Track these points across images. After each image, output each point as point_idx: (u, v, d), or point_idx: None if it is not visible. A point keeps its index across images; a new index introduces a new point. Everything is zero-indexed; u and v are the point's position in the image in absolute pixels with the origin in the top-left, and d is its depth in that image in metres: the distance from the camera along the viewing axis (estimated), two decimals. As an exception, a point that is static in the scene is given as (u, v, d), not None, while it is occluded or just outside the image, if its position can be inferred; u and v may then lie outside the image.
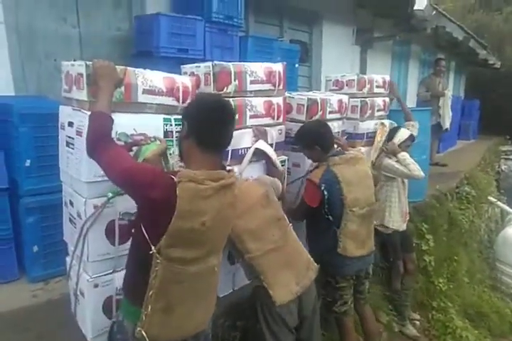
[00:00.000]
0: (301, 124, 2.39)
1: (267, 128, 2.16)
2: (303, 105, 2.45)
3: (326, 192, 2.00)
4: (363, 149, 3.03)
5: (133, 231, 1.21)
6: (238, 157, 2.03)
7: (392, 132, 3.02)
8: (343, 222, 2.02)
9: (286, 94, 2.39)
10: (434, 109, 5.22)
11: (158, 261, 1.10)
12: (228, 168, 1.35)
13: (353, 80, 3.04)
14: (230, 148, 1.98)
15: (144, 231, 1.11)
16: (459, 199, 5.06)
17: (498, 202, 6.24)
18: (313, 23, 4.45)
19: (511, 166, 8.48)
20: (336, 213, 2.02)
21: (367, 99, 3.05)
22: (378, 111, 3.20)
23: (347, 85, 3.07)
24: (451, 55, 8.27)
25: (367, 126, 3.09)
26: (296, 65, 3.66)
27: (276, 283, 1.68)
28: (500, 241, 5.65)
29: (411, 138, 3.01)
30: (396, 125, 3.17)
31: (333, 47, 4.62)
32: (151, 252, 1.10)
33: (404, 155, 2.85)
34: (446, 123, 5.53)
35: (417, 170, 2.79)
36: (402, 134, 2.98)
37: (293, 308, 1.74)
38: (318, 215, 2.08)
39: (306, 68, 4.44)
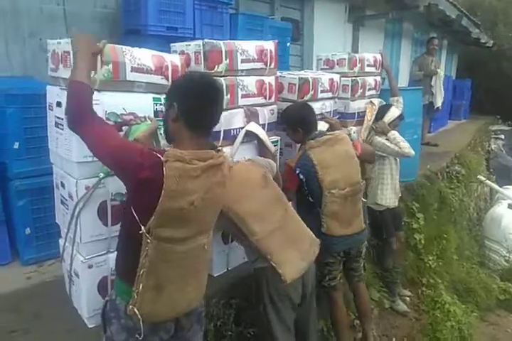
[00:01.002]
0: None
1: (258, 108, 2.14)
2: (294, 84, 2.43)
3: (301, 176, 2.05)
4: (355, 128, 3.03)
5: (123, 211, 1.21)
6: (230, 137, 2.02)
7: (382, 110, 3.02)
8: (323, 204, 2.04)
9: (278, 73, 2.36)
10: (427, 88, 5.21)
11: (148, 240, 1.11)
12: (218, 148, 1.35)
13: (344, 59, 3.00)
14: (221, 129, 1.96)
15: (133, 211, 1.11)
16: (449, 179, 5.13)
17: (487, 181, 6.35)
18: (305, 0, 4.35)
19: (501, 145, 8.57)
20: (315, 195, 2.05)
21: (358, 78, 3.02)
22: (369, 90, 3.18)
23: (338, 64, 3.03)
24: (444, 33, 8.19)
25: (358, 105, 3.07)
26: (288, 44, 3.59)
27: (284, 261, 1.69)
28: (489, 219, 5.78)
29: (400, 116, 3.03)
30: (384, 103, 3.17)
31: (325, 26, 4.53)
32: (140, 232, 1.10)
33: (394, 133, 2.88)
34: (438, 102, 5.53)
35: (407, 147, 2.82)
36: (393, 113, 2.99)
37: (298, 285, 1.78)
38: (301, 197, 2.12)
39: (298, 47, 4.37)
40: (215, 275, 2.08)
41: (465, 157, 5.90)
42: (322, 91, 2.59)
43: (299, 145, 2.22)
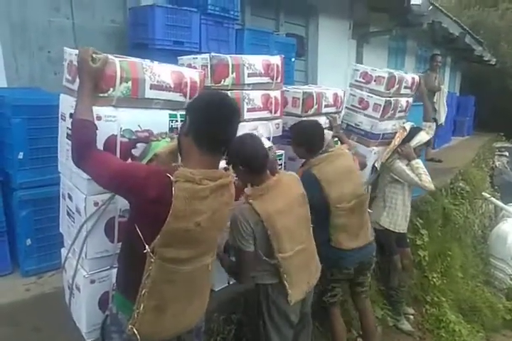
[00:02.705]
0: (298, 118, 2.39)
1: (263, 122, 2.15)
2: (298, 98, 2.44)
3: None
4: (376, 149, 2.95)
5: (127, 229, 1.19)
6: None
7: (411, 133, 2.91)
8: (331, 217, 2.05)
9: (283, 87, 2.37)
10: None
11: (151, 260, 1.09)
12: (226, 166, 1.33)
13: (383, 78, 2.88)
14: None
15: (138, 230, 1.09)
16: (454, 195, 5.09)
17: (492, 198, 6.29)
18: (310, 16, 4.42)
19: (505, 162, 8.54)
20: (320, 210, 2.01)
21: (391, 99, 2.92)
22: (400, 112, 3.09)
23: (375, 81, 2.92)
24: (447, 50, 8.28)
25: (385, 126, 2.98)
26: (293, 59, 3.64)
27: (295, 283, 1.71)
28: (494, 236, 5.70)
29: (427, 143, 2.98)
30: (415, 125, 3.07)
31: (329, 42, 4.59)
32: (144, 251, 1.08)
33: (418, 162, 2.80)
34: (442, 118, 5.55)
35: (428, 181, 2.74)
36: (421, 138, 2.90)
37: (298, 307, 1.78)
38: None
39: (303, 62, 4.42)
40: (216, 289, 2.05)
41: (469, 173, 5.88)
42: (326, 106, 2.60)
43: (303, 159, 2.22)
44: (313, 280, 1.84)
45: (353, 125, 3.04)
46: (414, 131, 2.93)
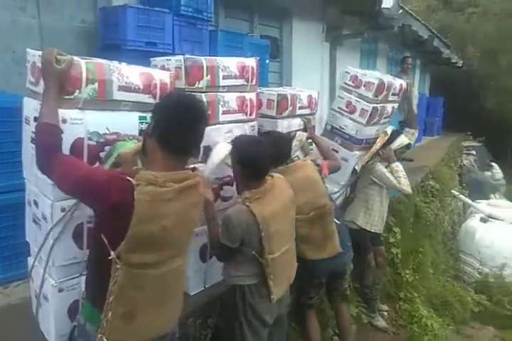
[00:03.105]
0: (273, 120, 2.39)
1: (238, 124, 2.14)
2: (273, 100, 2.44)
3: None
4: (359, 153, 2.96)
5: (93, 235, 1.17)
6: (209, 154, 2.00)
7: (392, 137, 2.96)
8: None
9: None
10: (401, 106, 5.36)
11: (117, 266, 1.07)
12: (195, 165, 1.31)
13: (373, 84, 2.84)
14: (201, 145, 1.94)
15: (102, 236, 1.07)
16: (425, 193, 5.26)
17: (461, 196, 6.54)
18: (284, 19, 4.45)
19: (472, 161, 8.88)
20: None
21: (378, 106, 2.92)
22: (385, 118, 3.10)
23: (364, 86, 2.88)
24: (417, 53, 8.53)
25: (369, 132, 2.97)
26: (267, 61, 3.65)
27: (278, 282, 1.75)
28: (463, 232, 5.93)
29: (408, 146, 3.03)
30: (395, 129, 3.11)
31: (303, 44, 4.64)
32: (109, 257, 1.06)
33: (398, 166, 2.86)
34: (400, 116, 5.69)
35: (406, 185, 2.80)
36: (402, 141, 2.95)
37: (274, 307, 1.80)
38: None
39: (277, 64, 4.44)
40: (192, 293, 2.03)
41: (439, 172, 6.09)
42: (301, 108, 2.62)
43: None
44: (291, 278, 1.87)
45: (338, 127, 3.01)
46: (395, 134, 2.99)
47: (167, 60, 1.97)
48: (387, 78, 3.00)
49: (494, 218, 5.65)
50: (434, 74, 11.02)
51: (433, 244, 4.96)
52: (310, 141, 2.66)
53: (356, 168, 2.95)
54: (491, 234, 5.43)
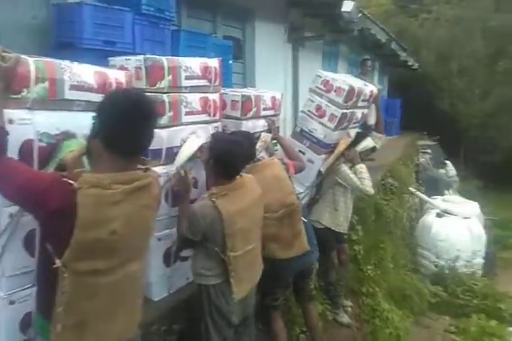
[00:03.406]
0: (238, 121, 2.40)
1: (202, 125, 2.13)
2: (237, 101, 2.46)
3: None
4: (325, 156, 2.99)
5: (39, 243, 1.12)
6: (173, 156, 1.98)
7: (357, 138, 3.01)
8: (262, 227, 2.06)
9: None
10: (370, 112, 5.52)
11: (64, 275, 1.02)
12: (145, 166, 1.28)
13: (343, 90, 2.85)
14: (163, 147, 1.92)
15: (46, 244, 1.03)
16: (384, 191, 5.45)
17: (418, 193, 6.84)
18: (246, 19, 4.46)
19: (428, 159, 9.32)
20: None
21: (348, 112, 2.95)
22: (354, 123, 3.14)
23: (335, 91, 2.89)
24: (376, 56, 8.82)
25: (338, 136, 3.00)
26: (230, 62, 3.64)
27: (240, 281, 1.75)
28: (420, 227, 6.21)
29: (373, 149, 3.10)
30: (360, 132, 3.18)
31: (266, 45, 4.67)
32: (55, 266, 1.01)
33: (362, 167, 2.92)
34: (371, 120, 5.89)
35: (369, 186, 2.87)
36: (367, 143, 3.01)
37: (239, 307, 1.81)
38: None
39: (240, 65, 4.44)
40: (156, 299, 1.99)
41: (397, 170, 6.33)
42: (265, 109, 2.65)
43: None
44: (256, 279, 1.89)
45: (307, 131, 3.03)
46: (360, 137, 3.06)
47: (126, 59, 1.93)
48: (359, 84, 3.04)
49: (449, 213, 5.95)
50: (391, 76, 11.45)
51: (393, 240, 5.16)
52: (274, 141, 2.69)
53: (321, 169, 3.01)
54: (446, 229, 5.72)
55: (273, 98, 2.74)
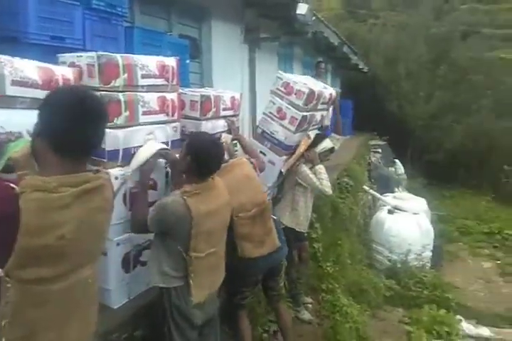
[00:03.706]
0: (197, 122, 2.36)
1: (161, 125, 2.07)
2: (196, 101, 2.42)
3: None
4: (286, 158, 3.04)
5: None
6: (130, 157, 1.90)
7: (316, 140, 3.06)
8: (234, 227, 2.07)
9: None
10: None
11: (8, 285, 0.94)
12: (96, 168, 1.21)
13: (303, 93, 2.87)
14: (120, 147, 1.84)
15: None
16: (340, 189, 5.62)
17: (371, 190, 7.14)
18: (202, 19, 4.40)
19: (379, 158, 9.76)
20: None
21: (308, 114, 2.97)
22: (313, 125, 3.17)
23: (295, 94, 2.90)
24: (329, 58, 9.09)
25: (298, 138, 3.04)
26: (187, 61, 3.58)
27: (199, 285, 1.73)
28: (374, 224, 6.48)
29: (332, 150, 3.16)
30: (319, 133, 3.23)
31: (222, 45, 4.64)
32: None
33: (321, 168, 2.97)
34: (325, 121, 6.06)
35: (328, 186, 2.94)
36: (326, 144, 3.07)
37: (201, 309, 1.79)
38: None
39: (197, 64, 4.38)
40: (115, 307, 1.91)
41: (351, 169, 6.56)
42: (224, 109, 2.63)
43: None
44: (217, 284, 1.87)
45: (268, 132, 3.05)
46: (319, 138, 3.12)
47: (78, 56, 1.84)
48: (318, 87, 3.09)
49: (399, 209, 6.27)
50: (344, 78, 11.87)
51: (349, 236, 5.34)
52: (235, 142, 2.68)
53: (282, 170, 3.04)
54: (398, 224, 6.01)
55: (232, 98, 2.72)
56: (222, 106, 2.59)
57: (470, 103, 11.20)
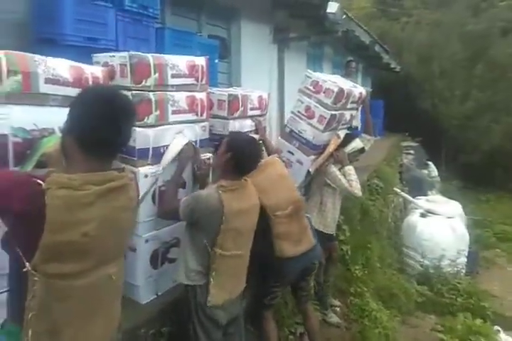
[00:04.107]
0: (225, 121, 2.37)
1: (190, 124, 2.09)
2: (224, 101, 2.41)
3: None
4: (314, 157, 2.96)
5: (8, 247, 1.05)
6: (160, 156, 1.92)
7: (346, 140, 3.00)
8: (272, 226, 2.07)
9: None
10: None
11: (35, 278, 0.97)
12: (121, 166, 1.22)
13: (333, 91, 2.82)
14: (150, 146, 1.86)
15: (16, 246, 0.98)
16: (370, 191, 5.49)
17: (402, 193, 6.92)
18: (232, 19, 4.43)
19: (411, 160, 9.47)
20: (259, 221, 1.99)
21: (337, 113, 2.91)
22: (343, 124, 3.11)
23: (324, 92, 2.85)
24: (360, 58, 8.92)
25: (327, 138, 2.98)
26: (216, 61, 3.60)
27: (220, 286, 1.72)
28: (405, 227, 6.28)
29: (362, 150, 3.08)
30: (349, 133, 3.16)
31: (251, 45, 4.65)
32: (24, 270, 0.96)
33: (350, 169, 2.91)
34: (354, 121, 5.93)
35: (357, 188, 2.86)
36: (356, 144, 3.01)
37: (226, 309, 1.79)
38: None
39: (226, 64, 4.41)
40: (143, 303, 1.93)
41: (382, 171, 6.40)
42: (252, 109, 2.61)
43: None
44: (237, 291, 1.84)
45: (296, 131, 3.00)
46: (349, 138, 3.05)
47: (110, 56, 1.88)
48: (348, 86, 3.02)
49: (432, 213, 6.04)
50: (374, 78, 11.61)
51: (379, 240, 5.20)
52: (260, 142, 2.66)
53: (310, 169, 2.99)
54: (430, 228, 5.79)
55: (260, 98, 2.71)
56: (249, 106, 2.58)
57: (510, 102, 10.66)
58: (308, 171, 2.98)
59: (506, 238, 8.28)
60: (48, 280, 0.98)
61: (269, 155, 2.58)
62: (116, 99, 1.10)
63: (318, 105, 2.91)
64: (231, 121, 2.44)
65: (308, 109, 2.94)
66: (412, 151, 9.73)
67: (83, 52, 2.16)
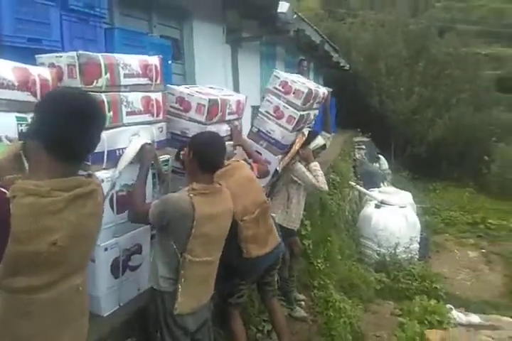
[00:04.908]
0: (202, 126, 2.29)
1: (146, 126, 2.04)
2: (203, 105, 2.28)
3: None
4: (281, 156, 3.00)
5: None
6: (115, 159, 1.86)
7: (309, 137, 3.06)
8: (239, 231, 2.05)
9: (181, 88, 2.31)
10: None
11: None
12: (88, 172, 1.18)
13: (302, 92, 2.83)
14: (105, 149, 1.80)
15: None
16: (328, 186, 5.65)
17: (357, 186, 7.21)
18: (184, 19, 4.37)
19: (363, 154, 9.87)
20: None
21: (305, 114, 2.95)
22: (308, 124, 3.17)
23: (294, 93, 2.86)
24: (311, 57, 9.13)
25: (293, 137, 3.01)
26: (170, 62, 3.54)
27: (189, 293, 1.68)
28: (361, 219, 6.55)
29: (323, 147, 3.16)
30: (311, 131, 3.23)
31: (204, 46, 4.61)
32: None
33: (316, 165, 2.98)
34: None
35: (324, 183, 2.95)
36: (318, 141, 3.09)
37: (194, 315, 1.76)
38: None
39: (180, 65, 4.34)
40: (105, 314, 1.85)
41: (338, 166, 6.61)
42: (230, 113, 2.54)
43: None
44: (204, 299, 1.81)
45: (265, 131, 3.00)
46: (312, 136, 3.13)
47: (57, 56, 1.79)
48: (313, 86, 3.07)
49: (386, 203, 6.35)
50: (326, 76, 11.95)
51: (338, 232, 5.38)
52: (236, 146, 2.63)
53: (278, 168, 3.03)
54: (385, 218, 6.09)
55: (238, 102, 2.61)
56: (227, 111, 2.49)
57: (449, 97, 11.43)
58: (276, 170, 3.03)
59: (453, 223, 8.91)
60: (10, 295, 0.93)
61: (250, 158, 2.55)
62: (84, 103, 1.07)
63: (287, 106, 2.91)
64: (209, 127, 2.33)
65: (277, 109, 2.94)
66: (363, 146, 10.13)
67: (25, 54, 2.04)
